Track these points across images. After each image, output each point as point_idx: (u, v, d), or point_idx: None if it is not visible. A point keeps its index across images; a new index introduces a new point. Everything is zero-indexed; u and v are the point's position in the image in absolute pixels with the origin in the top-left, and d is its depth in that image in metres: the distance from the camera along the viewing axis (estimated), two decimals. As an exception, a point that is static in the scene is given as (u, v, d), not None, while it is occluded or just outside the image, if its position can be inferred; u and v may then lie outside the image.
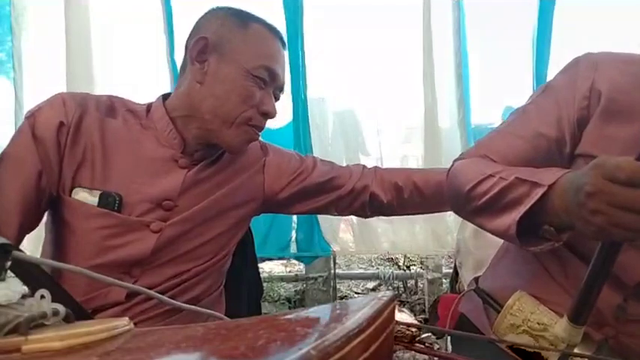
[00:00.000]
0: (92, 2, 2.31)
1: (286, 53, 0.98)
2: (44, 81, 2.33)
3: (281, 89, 0.96)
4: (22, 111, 2.25)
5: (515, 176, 0.70)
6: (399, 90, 2.61)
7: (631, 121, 0.74)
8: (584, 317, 0.63)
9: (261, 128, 0.93)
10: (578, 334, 0.64)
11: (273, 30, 0.93)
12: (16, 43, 2.28)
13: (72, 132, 0.84)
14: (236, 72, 0.87)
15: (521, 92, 2.52)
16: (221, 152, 0.98)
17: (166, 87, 2.30)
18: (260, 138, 0.99)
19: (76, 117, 0.84)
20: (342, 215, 1.12)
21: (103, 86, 2.19)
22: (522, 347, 0.68)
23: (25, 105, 2.28)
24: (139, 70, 2.42)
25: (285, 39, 0.98)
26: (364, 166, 1.11)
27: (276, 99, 0.96)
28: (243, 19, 0.90)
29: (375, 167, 1.12)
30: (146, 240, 0.85)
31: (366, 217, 1.14)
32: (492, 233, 0.76)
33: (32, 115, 0.84)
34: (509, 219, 0.69)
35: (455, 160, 0.87)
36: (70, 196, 0.84)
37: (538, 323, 0.74)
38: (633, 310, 0.75)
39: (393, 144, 2.77)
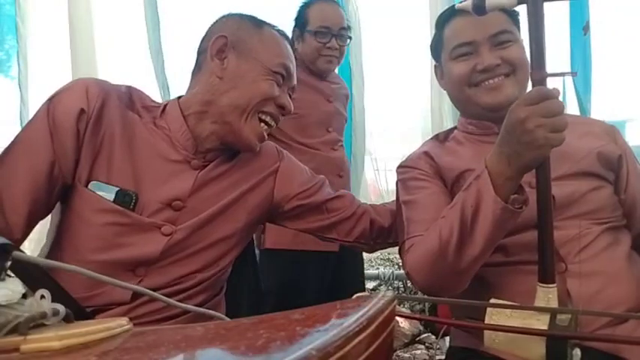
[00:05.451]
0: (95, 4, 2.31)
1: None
2: (49, 81, 2.32)
3: (293, 89, 0.99)
4: (27, 112, 2.24)
5: (457, 197, 0.82)
6: (400, 89, 2.61)
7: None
8: (551, 273, 0.71)
9: (276, 120, 0.96)
10: (554, 296, 0.71)
11: (283, 34, 0.98)
12: (22, 43, 2.27)
13: (93, 120, 0.83)
14: (257, 68, 0.90)
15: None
16: (233, 152, 0.97)
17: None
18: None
19: (98, 105, 0.83)
20: (345, 243, 1.09)
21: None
22: (514, 331, 0.67)
23: (30, 105, 2.28)
24: (138, 71, 2.42)
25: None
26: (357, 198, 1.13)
27: (290, 98, 0.99)
28: (257, 22, 0.96)
29: (370, 204, 1.15)
30: (156, 242, 0.85)
31: (371, 248, 1.13)
32: (492, 236, 0.78)
33: (52, 101, 0.82)
34: (490, 206, 0.75)
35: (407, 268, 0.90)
36: (87, 187, 0.83)
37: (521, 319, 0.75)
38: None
39: (394, 144, 2.77)
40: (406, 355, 2.20)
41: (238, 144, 0.93)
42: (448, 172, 0.95)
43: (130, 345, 0.40)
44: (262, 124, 0.93)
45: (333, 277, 1.64)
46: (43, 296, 0.41)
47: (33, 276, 0.53)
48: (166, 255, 0.86)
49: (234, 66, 0.90)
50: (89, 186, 0.83)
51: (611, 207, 0.90)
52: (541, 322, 0.67)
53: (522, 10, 0.80)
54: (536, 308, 0.70)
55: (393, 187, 1.09)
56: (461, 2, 0.82)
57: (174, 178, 0.88)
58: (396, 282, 2.91)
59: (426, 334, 2.37)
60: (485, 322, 0.71)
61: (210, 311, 0.62)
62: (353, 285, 1.70)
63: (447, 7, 1.07)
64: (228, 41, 0.91)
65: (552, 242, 0.72)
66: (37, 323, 0.39)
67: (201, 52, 0.95)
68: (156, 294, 0.57)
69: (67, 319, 0.41)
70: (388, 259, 3.54)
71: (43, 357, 0.35)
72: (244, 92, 0.89)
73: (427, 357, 2.18)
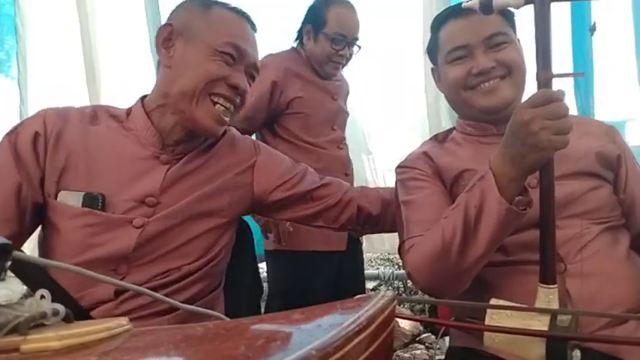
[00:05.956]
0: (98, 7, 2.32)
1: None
2: (48, 81, 2.34)
3: (254, 68, 0.97)
4: (27, 111, 2.28)
5: (460, 198, 0.82)
6: (401, 89, 2.60)
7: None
8: (552, 274, 0.72)
9: (230, 101, 0.93)
10: (555, 297, 0.71)
11: (238, 12, 0.95)
12: (21, 43, 2.29)
13: (52, 141, 0.87)
14: (202, 51, 0.89)
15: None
16: (207, 146, 0.97)
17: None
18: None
19: (57, 128, 0.88)
20: (333, 229, 1.10)
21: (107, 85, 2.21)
22: (514, 332, 0.67)
23: (30, 105, 2.30)
24: (140, 71, 2.42)
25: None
26: (350, 185, 1.13)
27: (252, 78, 0.98)
28: (206, 4, 0.93)
29: (361, 186, 1.14)
30: (128, 236, 0.86)
31: (359, 232, 1.14)
32: (496, 237, 0.78)
33: (14, 132, 0.87)
34: (494, 207, 0.75)
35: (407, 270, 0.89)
36: (56, 199, 0.86)
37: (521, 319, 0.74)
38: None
39: (394, 143, 2.77)
40: (406, 355, 2.20)
41: (197, 130, 0.93)
42: (447, 172, 0.95)
43: (129, 345, 0.40)
44: (218, 106, 0.92)
45: (335, 278, 1.64)
46: (43, 296, 0.41)
47: (33, 276, 0.53)
48: (145, 250, 0.87)
49: (180, 53, 0.90)
50: (58, 197, 0.86)
51: (610, 206, 0.90)
52: (541, 323, 0.67)
53: (519, 11, 0.80)
54: (536, 309, 0.70)
55: (392, 187, 1.09)
56: (466, 1, 0.82)
57: (145, 175, 0.90)
58: (396, 282, 2.91)
59: (425, 334, 2.37)
60: (486, 322, 0.70)
61: (208, 310, 0.62)
62: (353, 286, 1.70)
63: (441, 6, 1.07)
64: (173, 29, 0.91)
65: (554, 243, 0.72)
66: (37, 323, 0.39)
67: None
68: (154, 294, 0.56)
69: (67, 319, 0.41)
70: (388, 259, 3.54)
71: (43, 357, 0.35)
72: (190, 77, 0.89)
73: (427, 357, 2.18)
